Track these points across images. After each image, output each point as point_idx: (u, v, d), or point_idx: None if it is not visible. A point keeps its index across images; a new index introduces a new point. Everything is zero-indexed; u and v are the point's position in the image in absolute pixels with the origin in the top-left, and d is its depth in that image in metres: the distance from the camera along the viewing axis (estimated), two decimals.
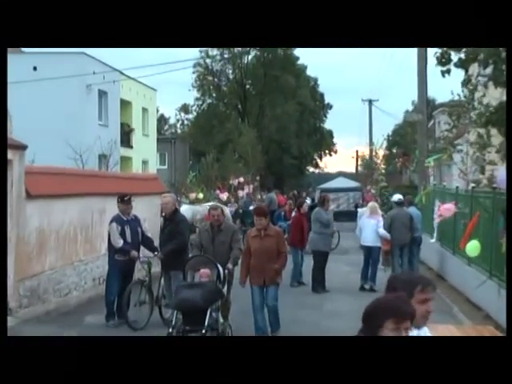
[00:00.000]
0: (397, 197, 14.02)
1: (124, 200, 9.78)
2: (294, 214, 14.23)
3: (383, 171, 35.50)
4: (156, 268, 10.52)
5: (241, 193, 28.24)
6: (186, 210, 16.78)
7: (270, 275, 8.48)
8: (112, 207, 11.72)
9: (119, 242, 9.56)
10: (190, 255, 8.67)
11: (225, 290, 8.13)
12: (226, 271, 8.21)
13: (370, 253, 13.19)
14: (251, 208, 22.24)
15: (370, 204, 14.37)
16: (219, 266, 8.01)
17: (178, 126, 64.12)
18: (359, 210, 20.34)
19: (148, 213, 13.64)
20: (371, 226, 13.15)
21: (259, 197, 30.56)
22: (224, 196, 24.76)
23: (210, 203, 17.30)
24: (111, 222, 9.75)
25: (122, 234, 9.60)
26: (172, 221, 9.71)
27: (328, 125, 65.88)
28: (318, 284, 12.66)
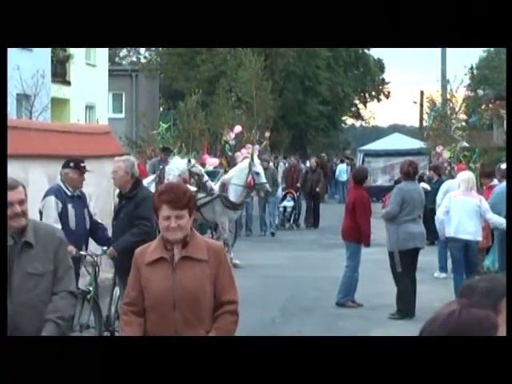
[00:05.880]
0: (504, 166, 14.06)
1: (79, 167, 9.83)
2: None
3: (463, 124, 35.21)
4: (107, 273, 10.58)
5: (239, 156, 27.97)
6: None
7: None
8: (39, 178, 11.61)
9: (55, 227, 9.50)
10: None
11: None
12: None
13: (466, 251, 12.77)
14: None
15: (462, 175, 13.73)
16: None
17: (142, 51, 64.05)
18: (423, 184, 19.80)
19: (95, 186, 13.61)
20: (472, 209, 12.71)
21: (268, 164, 30.49)
22: (212, 162, 24.69)
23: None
24: (47, 194, 9.78)
25: (63, 217, 9.63)
26: (130, 199, 9.73)
27: (377, 51, 65.75)
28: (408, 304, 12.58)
